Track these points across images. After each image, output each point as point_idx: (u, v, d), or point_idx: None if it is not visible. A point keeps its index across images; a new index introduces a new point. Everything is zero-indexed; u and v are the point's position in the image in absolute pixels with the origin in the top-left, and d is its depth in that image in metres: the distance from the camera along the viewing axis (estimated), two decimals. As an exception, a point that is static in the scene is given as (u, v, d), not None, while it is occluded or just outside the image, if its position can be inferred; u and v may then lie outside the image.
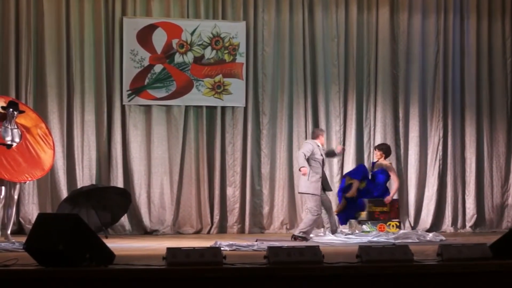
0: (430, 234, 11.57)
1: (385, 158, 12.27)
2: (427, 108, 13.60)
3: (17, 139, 10.81)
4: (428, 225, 13.29)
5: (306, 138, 13.16)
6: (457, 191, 13.62)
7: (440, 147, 13.57)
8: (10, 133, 10.79)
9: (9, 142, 10.55)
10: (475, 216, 13.58)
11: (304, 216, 11.91)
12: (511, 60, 13.88)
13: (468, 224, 13.54)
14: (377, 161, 12.23)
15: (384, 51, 13.53)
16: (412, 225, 13.28)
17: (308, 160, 11.19)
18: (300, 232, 11.06)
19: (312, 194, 11.20)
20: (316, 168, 11.23)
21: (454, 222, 13.52)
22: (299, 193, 11.95)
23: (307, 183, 11.21)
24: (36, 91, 12.50)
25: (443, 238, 11.42)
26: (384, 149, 12.33)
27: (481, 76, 13.78)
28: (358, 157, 13.29)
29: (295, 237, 11.03)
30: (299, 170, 11.29)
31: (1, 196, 10.64)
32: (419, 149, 13.52)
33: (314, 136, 11.65)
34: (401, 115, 13.54)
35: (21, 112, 11.05)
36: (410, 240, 10.81)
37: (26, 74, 12.42)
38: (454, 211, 13.55)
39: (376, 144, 12.96)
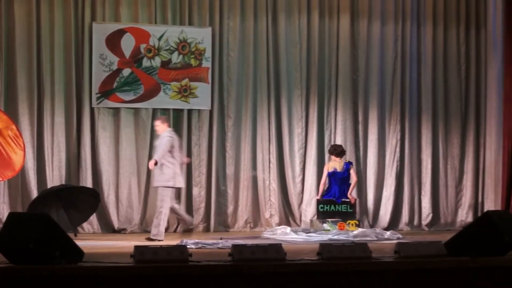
0: (388, 233, 11.65)
1: (340, 158, 12.35)
2: (385, 112, 13.68)
3: (-12, 141, 10.72)
4: (386, 224, 13.36)
5: (269, 140, 13.21)
6: (413, 191, 13.71)
7: (398, 149, 13.66)
8: (-19, 135, 10.71)
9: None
10: (431, 215, 13.68)
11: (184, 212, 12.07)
12: (465, 66, 14.00)
13: (424, 222, 13.64)
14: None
15: (345, 57, 13.58)
16: (371, 223, 13.35)
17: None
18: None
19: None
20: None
21: (410, 221, 13.61)
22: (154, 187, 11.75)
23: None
24: (7, 93, 12.38)
25: (400, 236, 11.51)
26: (331, 151, 12.48)
27: (437, 81, 13.89)
28: (320, 158, 13.32)
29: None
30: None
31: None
32: (377, 151, 13.59)
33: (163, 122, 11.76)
34: (360, 118, 13.60)
35: (-8, 114, 10.98)
36: (368, 238, 10.88)
37: (-3, 77, 12.32)
38: (410, 210, 13.64)
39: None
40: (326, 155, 13.29)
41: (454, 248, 7.24)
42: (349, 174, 12.33)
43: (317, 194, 12.41)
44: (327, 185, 12.35)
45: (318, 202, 11.99)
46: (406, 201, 13.63)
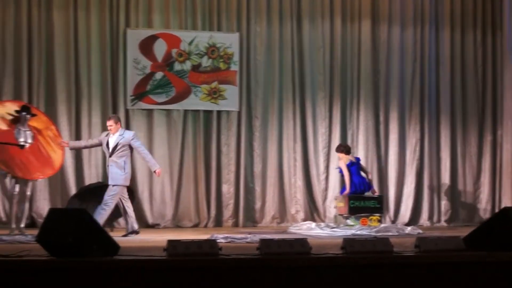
0: (409, 228, 11.58)
1: (347, 154, 12.18)
2: (405, 112, 13.63)
3: (29, 140, 10.78)
4: (406, 220, 13.32)
5: (294, 139, 13.20)
6: (433, 188, 13.65)
7: (418, 148, 13.61)
8: (23, 135, 10.77)
9: (22, 143, 10.52)
10: (450, 211, 13.61)
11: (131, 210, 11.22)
12: (482, 68, 13.92)
13: (443, 218, 13.57)
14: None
15: (366, 60, 13.55)
16: (392, 219, 13.30)
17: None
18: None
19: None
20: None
21: (430, 217, 13.55)
22: (113, 186, 10.55)
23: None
24: (46, 96, 12.49)
25: (420, 231, 11.43)
26: (339, 149, 12.28)
27: (455, 83, 13.81)
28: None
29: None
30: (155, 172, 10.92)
31: (16, 193, 10.62)
32: (398, 149, 13.55)
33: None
34: (381, 118, 13.56)
35: (33, 115, 11.03)
36: (390, 233, 10.82)
37: (37, 80, 12.41)
38: (430, 207, 13.58)
39: (357, 144, 13.09)
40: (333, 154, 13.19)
41: (472, 243, 7.18)
42: (361, 166, 12.20)
43: (346, 189, 12.13)
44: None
45: (349, 198, 11.91)
46: (426, 198, 13.58)
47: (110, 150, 10.56)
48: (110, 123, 10.72)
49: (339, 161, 12.14)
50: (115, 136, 10.62)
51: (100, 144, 10.84)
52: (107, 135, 10.72)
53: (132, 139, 10.61)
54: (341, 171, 12.12)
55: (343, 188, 12.17)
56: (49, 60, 12.50)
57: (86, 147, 11.40)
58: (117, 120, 10.78)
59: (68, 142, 11.07)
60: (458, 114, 13.79)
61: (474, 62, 13.94)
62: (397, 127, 13.57)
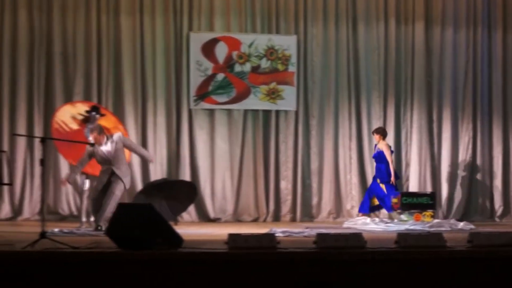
0: (461, 223, 11.43)
1: (383, 139, 12.02)
2: (458, 112, 13.44)
3: (98, 139, 10.93)
4: (459, 215, 13.13)
5: (350, 138, 13.13)
6: (485, 185, 13.44)
7: (470, 146, 13.41)
8: (92, 134, 10.94)
9: (92, 141, 10.68)
10: (502, 207, 13.38)
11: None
12: (534, 69, 13.67)
13: (496, 214, 13.36)
14: (378, 143, 12.04)
15: (420, 61, 13.40)
16: (445, 215, 13.14)
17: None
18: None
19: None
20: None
21: (483, 213, 13.35)
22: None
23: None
24: (114, 96, 12.65)
25: (473, 226, 11.26)
26: (381, 131, 12.12)
27: (507, 84, 13.57)
28: (397, 155, 13.17)
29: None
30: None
31: (86, 188, 10.80)
32: (451, 148, 13.38)
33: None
34: (435, 118, 13.40)
35: (102, 115, 11.22)
36: (443, 229, 10.69)
37: (106, 82, 12.59)
38: (483, 203, 13.38)
39: (411, 141, 12.96)
40: (403, 151, 13.11)
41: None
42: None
43: (393, 177, 11.99)
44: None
45: (402, 194, 11.79)
46: (479, 194, 13.38)
47: (110, 158, 9.93)
48: (94, 135, 9.97)
49: (381, 143, 11.87)
50: (107, 145, 9.95)
51: (89, 160, 10.08)
52: (93, 147, 9.88)
53: (121, 139, 10.02)
54: (375, 155, 11.93)
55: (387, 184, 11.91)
56: (117, 62, 12.67)
57: (80, 170, 10.38)
58: (100, 131, 9.98)
59: (66, 181, 10.37)
60: (510, 113, 13.55)
61: (526, 63, 13.69)
62: (450, 126, 13.39)
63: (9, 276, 6.31)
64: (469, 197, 13.36)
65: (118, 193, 9.92)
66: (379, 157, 11.85)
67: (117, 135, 10.11)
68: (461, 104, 13.44)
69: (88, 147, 9.94)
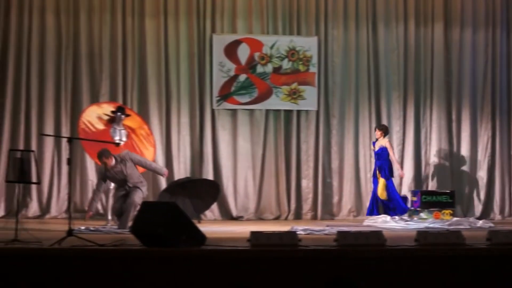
0: (480, 222, 11.37)
1: (384, 137, 12.04)
2: (477, 111, 13.37)
3: (124, 139, 11.04)
4: (478, 214, 13.06)
5: (370, 137, 13.10)
6: (504, 184, 13.34)
7: (489, 145, 13.33)
8: (118, 133, 11.04)
9: (117, 141, 10.77)
10: (521, 205, 13.32)
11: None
12: (552, 69, 13.55)
13: (515, 212, 13.29)
14: (377, 140, 12.04)
15: (439, 61, 13.34)
16: (464, 213, 13.07)
17: None
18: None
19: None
20: None
21: (501, 211, 13.25)
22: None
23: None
24: (139, 97, 12.71)
25: (492, 225, 11.20)
26: (384, 129, 12.14)
27: (526, 83, 13.50)
28: (416, 154, 13.14)
29: None
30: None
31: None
32: (470, 147, 13.31)
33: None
34: (454, 117, 13.34)
35: (127, 115, 11.30)
36: (462, 227, 10.64)
37: (131, 83, 12.66)
38: (501, 201, 13.29)
39: (432, 139, 12.92)
40: (423, 150, 13.07)
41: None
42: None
43: (400, 169, 12.10)
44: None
45: (421, 193, 11.76)
46: (498, 193, 13.30)
47: (124, 176, 10.04)
48: (102, 161, 10.00)
49: (383, 140, 11.95)
50: (118, 165, 10.04)
51: (104, 182, 10.23)
52: (106, 170, 9.99)
53: (130, 156, 10.15)
54: (378, 151, 11.94)
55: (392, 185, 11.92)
56: (141, 64, 12.73)
57: (99, 197, 10.70)
58: (108, 154, 9.99)
59: (89, 211, 10.36)
60: (529, 113, 13.47)
61: (545, 62, 13.58)
62: (469, 125, 13.32)
63: (37, 272, 6.38)
64: (488, 196, 13.28)
65: (138, 200, 9.93)
66: (382, 153, 11.89)
67: (124, 153, 10.20)
68: (480, 104, 13.37)
69: (101, 169, 10.09)
